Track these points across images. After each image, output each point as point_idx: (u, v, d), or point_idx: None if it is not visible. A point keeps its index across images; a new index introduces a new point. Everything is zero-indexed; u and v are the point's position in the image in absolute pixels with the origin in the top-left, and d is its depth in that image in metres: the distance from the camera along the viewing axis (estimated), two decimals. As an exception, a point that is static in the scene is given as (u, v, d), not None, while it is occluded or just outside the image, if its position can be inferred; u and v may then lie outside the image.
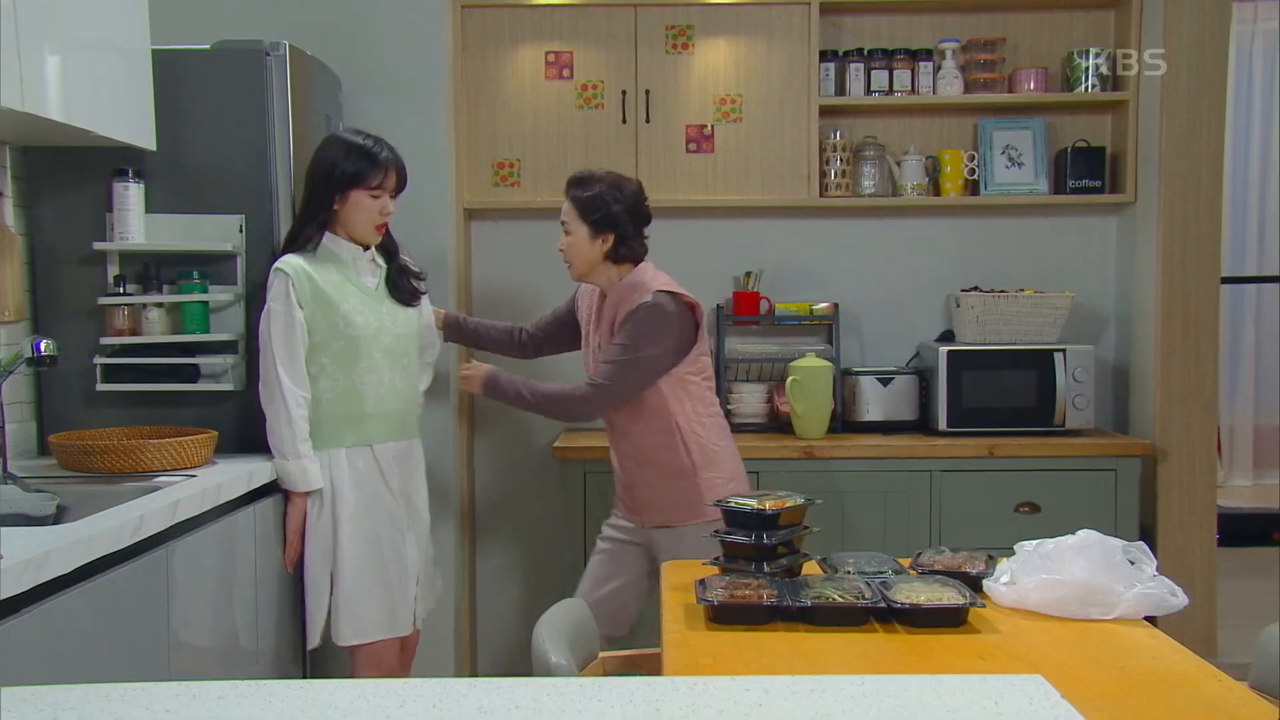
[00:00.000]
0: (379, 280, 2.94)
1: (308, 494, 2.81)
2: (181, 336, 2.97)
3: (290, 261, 2.77)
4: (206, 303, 2.98)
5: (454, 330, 3.35)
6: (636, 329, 2.91)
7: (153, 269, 2.96)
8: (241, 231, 3.00)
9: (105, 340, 2.94)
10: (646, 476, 3.01)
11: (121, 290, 2.93)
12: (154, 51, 2.86)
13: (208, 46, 3.00)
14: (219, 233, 2.99)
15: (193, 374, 2.99)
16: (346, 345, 2.81)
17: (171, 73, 2.93)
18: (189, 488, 2.46)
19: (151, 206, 2.95)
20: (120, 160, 2.86)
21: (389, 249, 2.98)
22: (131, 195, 2.88)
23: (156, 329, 2.95)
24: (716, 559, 2.30)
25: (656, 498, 3.00)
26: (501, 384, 3.08)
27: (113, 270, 2.96)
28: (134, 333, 2.95)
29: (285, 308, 2.75)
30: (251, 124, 2.99)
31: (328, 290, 2.79)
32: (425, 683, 1.20)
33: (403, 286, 2.96)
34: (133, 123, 2.78)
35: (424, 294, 3.06)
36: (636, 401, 2.97)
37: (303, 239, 2.82)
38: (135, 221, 2.89)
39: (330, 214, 2.83)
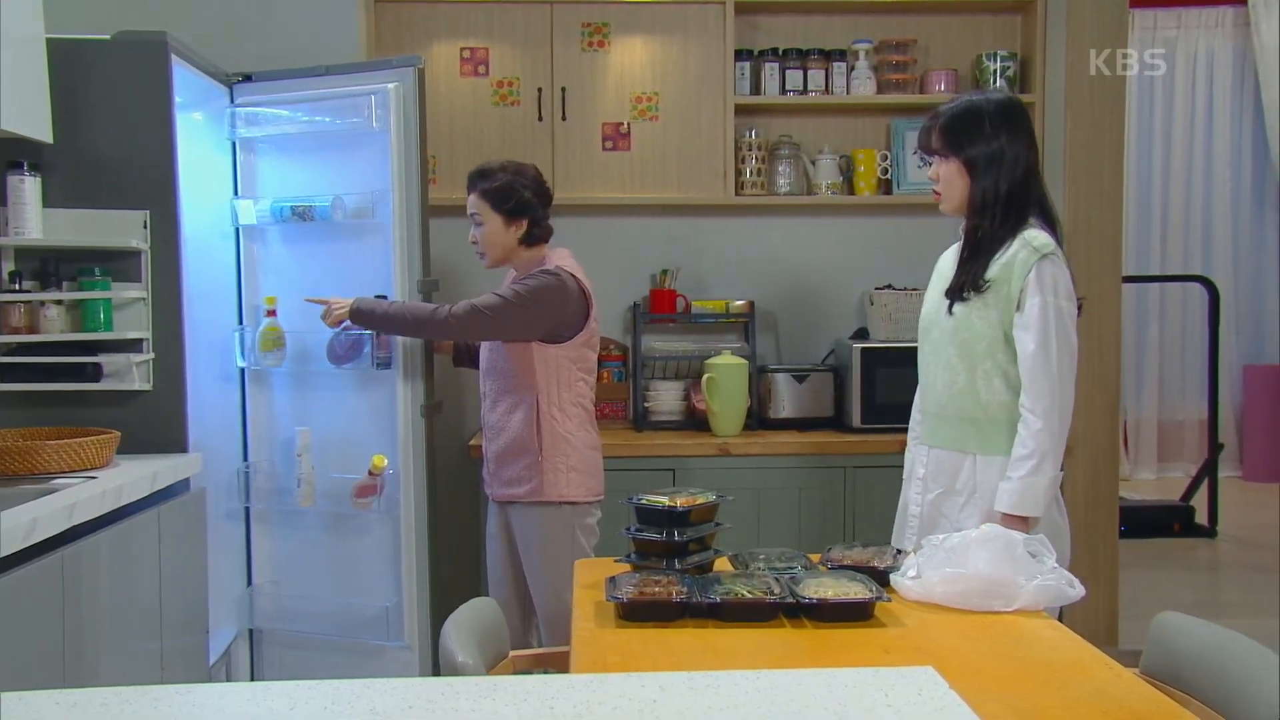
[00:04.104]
0: None
1: None
2: (83, 335, 2.89)
3: None
4: (110, 300, 2.91)
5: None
6: (533, 285, 3.00)
7: (51, 265, 2.87)
8: (146, 227, 2.93)
9: (0, 339, 2.85)
10: (497, 446, 3.09)
11: (17, 287, 2.85)
12: (50, 41, 2.77)
13: (108, 37, 2.92)
14: (122, 228, 2.91)
15: (95, 373, 2.91)
16: None
17: (69, 63, 2.85)
18: (87, 490, 2.39)
19: (50, 201, 2.86)
20: (15, 153, 2.76)
21: None
22: (27, 189, 2.79)
23: (56, 327, 2.87)
24: (628, 556, 2.30)
25: (502, 469, 3.08)
26: (369, 309, 3.11)
27: (7, 266, 2.87)
28: (31, 331, 2.86)
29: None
30: (155, 117, 2.92)
31: None
32: (319, 684, 1.18)
33: None
34: (28, 114, 2.69)
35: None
36: (509, 373, 3.05)
37: None
38: (32, 216, 2.80)
39: None
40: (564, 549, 2.99)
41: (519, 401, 3.04)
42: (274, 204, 3.40)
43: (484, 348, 3.15)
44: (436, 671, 2.26)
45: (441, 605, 3.70)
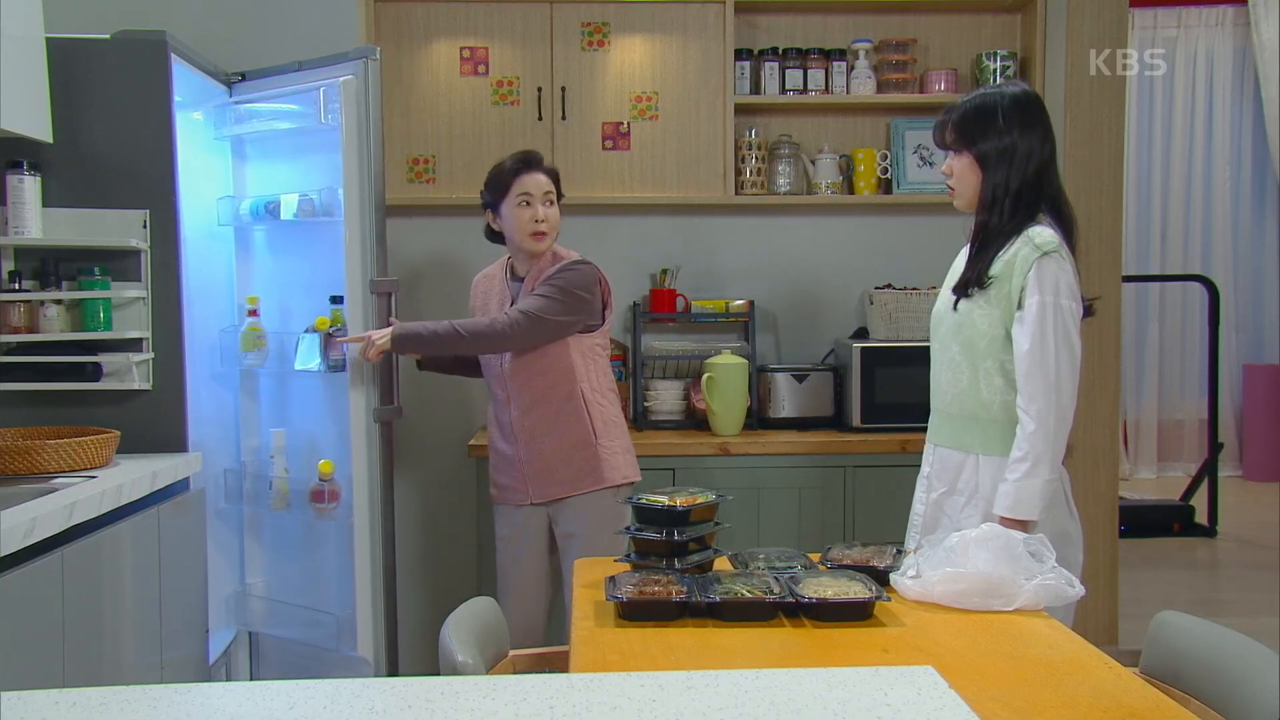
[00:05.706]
0: None
1: None
2: (82, 334, 2.89)
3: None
4: (109, 299, 2.91)
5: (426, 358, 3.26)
6: (569, 277, 3.01)
7: (51, 265, 2.87)
8: (145, 227, 2.93)
9: (0, 338, 2.85)
10: (546, 447, 3.05)
11: (17, 286, 2.85)
12: (50, 40, 2.78)
13: (107, 36, 2.93)
14: (122, 228, 2.92)
15: (95, 372, 2.91)
16: None
17: (69, 63, 2.85)
18: (87, 489, 2.39)
19: (49, 200, 2.87)
20: (14, 152, 2.77)
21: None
22: (27, 188, 2.79)
23: (55, 326, 2.87)
24: (628, 555, 2.31)
25: (556, 468, 3.04)
26: (413, 332, 3.03)
27: (7, 266, 2.87)
28: (31, 330, 2.87)
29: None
30: (154, 116, 2.92)
31: None
32: (317, 684, 1.18)
33: None
34: (27, 113, 2.69)
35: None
36: (547, 371, 3.02)
37: None
38: (31, 215, 2.81)
39: None
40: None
41: (561, 395, 3.03)
42: (252, 203, 3.40)
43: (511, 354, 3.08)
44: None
45: (425, 613, 3.69)
